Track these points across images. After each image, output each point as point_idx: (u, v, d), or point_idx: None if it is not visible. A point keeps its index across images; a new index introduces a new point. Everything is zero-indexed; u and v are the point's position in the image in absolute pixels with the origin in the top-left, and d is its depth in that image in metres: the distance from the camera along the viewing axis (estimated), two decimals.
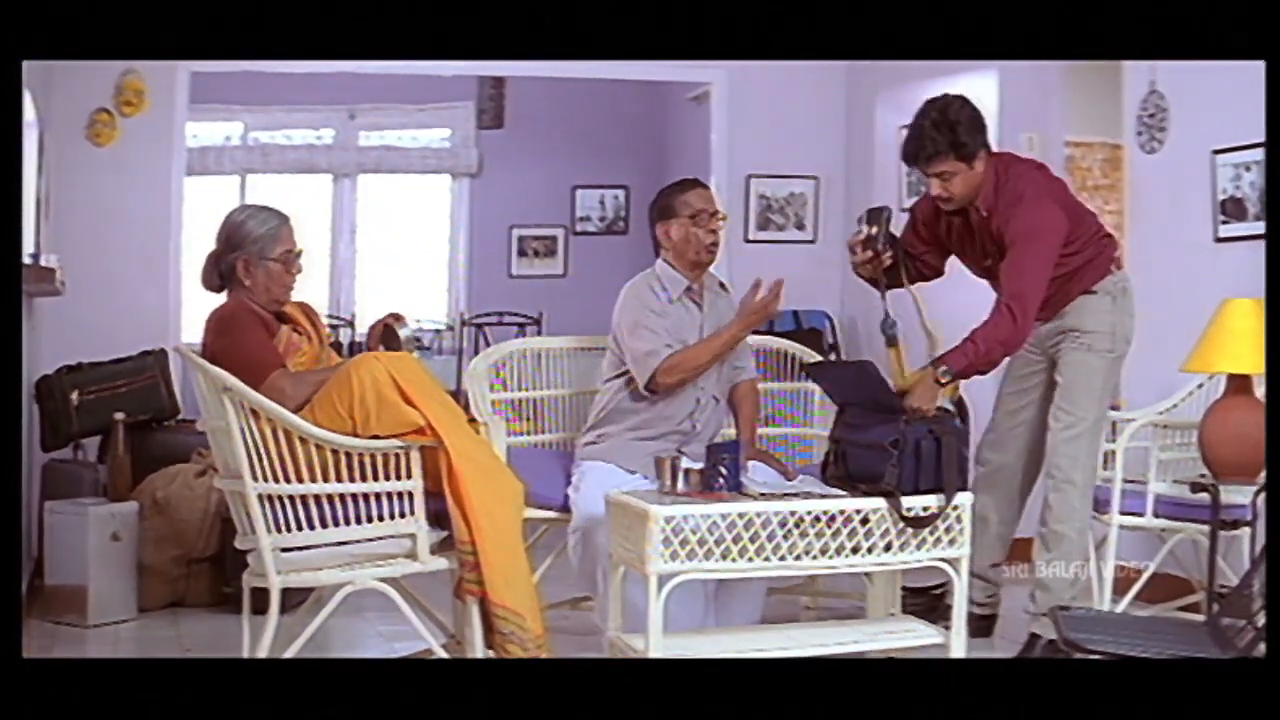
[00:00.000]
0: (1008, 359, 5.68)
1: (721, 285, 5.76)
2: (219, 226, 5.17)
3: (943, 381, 5.21)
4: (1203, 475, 5.38)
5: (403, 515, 4.89)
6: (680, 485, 4.80)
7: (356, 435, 4.83)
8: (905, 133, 5.59)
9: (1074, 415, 5.52)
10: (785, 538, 4.63)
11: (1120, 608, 5.82)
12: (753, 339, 6.27)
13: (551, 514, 5.51)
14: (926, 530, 4.74)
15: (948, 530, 4.78)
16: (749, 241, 9.10)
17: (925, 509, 4.74)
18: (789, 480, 5.16)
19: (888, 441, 4.81)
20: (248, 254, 5.09)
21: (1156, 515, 5.75)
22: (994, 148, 5.60)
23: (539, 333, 11.55)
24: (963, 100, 5.46)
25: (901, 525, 4.71)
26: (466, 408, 5.52)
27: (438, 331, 12.48)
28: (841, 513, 4.67)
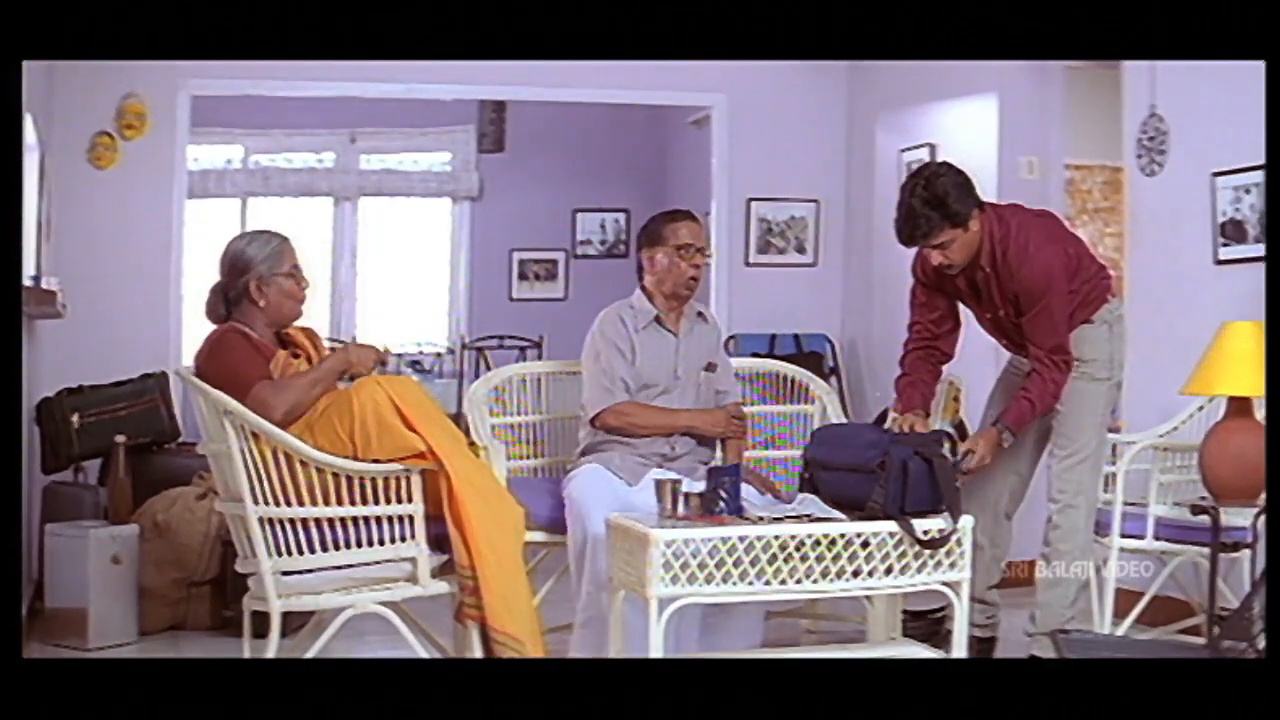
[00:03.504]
0: (997, 381, 5.78)
1: (700, 314, 5.76)
2: (220, 257, 5.17)
3: (1005, 445, 5.44)
4: (1203, 498, 5.38)
5: (403, 539, 4.89)
6: (681, 509, 4.80)
7: (357, 459, 4.83)
8: (904, 156, 5.61)
9: (1076, 444, 5.55)
10: (786, 561, 4.63)
11: (1120, 631, 5.81)
12: (753, 362, 6.31)
13: (551, 537, 5.50)
14: (927, 553, 4.75)
15: (948, 554, 4.78)
16: (749, 265, 9.09)
17: (926, 533, 4.74)
18: (784, 502, 5.17)
19: (874, 463, 4.82)
20: (258, 275, 5.10)
21: (1157, 538, 5.74)
22: (994, 171, 5.60)
23: (540, 356, 11.54)
24: (946, 168, 5.46)
25: (904, 548, 4.71)
26: (467, 432, 5.52)
27: (438, 355, 12.49)
28: (842, 536, 4.67)
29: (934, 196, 5.32)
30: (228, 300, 5.16)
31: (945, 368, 5.79)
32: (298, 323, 5.25)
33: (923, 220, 5.34)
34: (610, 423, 5.51)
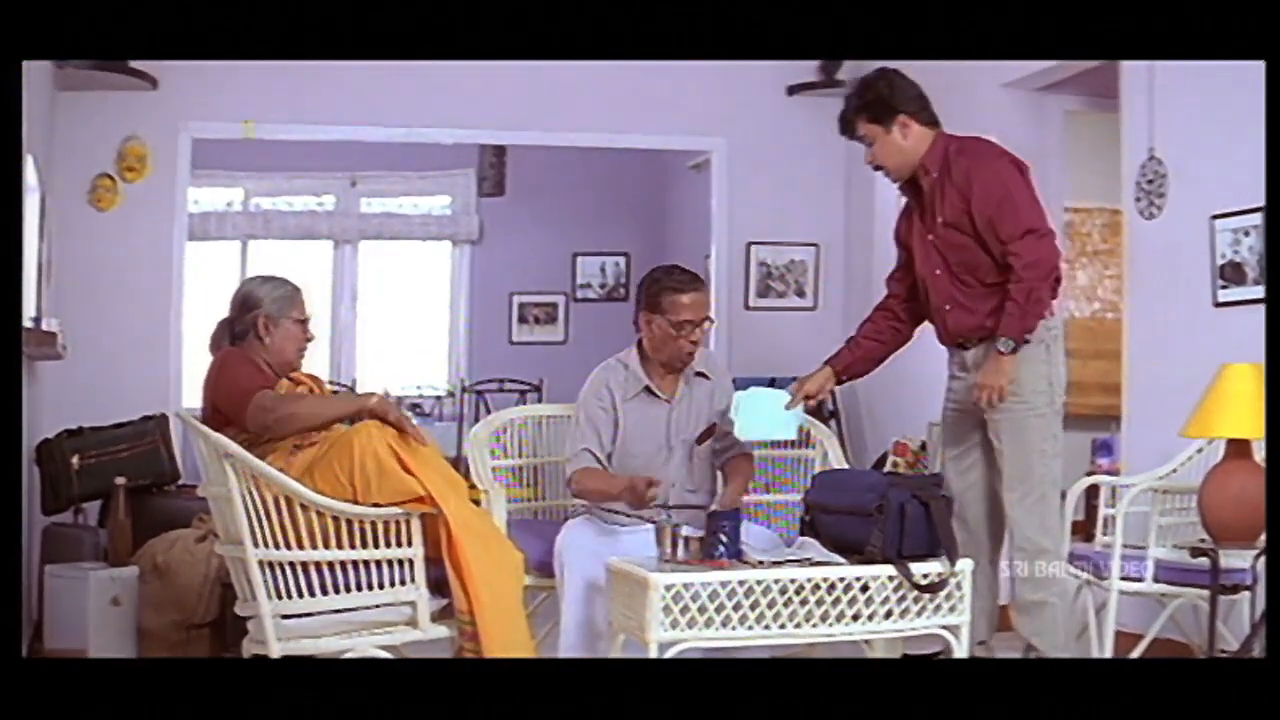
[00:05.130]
0: (943, 419, 5.79)
1: (699, 374, 5.68)
2: (233, 295, 5.25)
3: (1003, 352, 5.30)
4: (1202, 540, 5.36)
5: (403, 583, 4.89)
6: (680, 553, 4.79)
7: (357, 502, 4.83)
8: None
9: (1028, 484, 5.45)
10: (786, 605, 4.62)
11: None
12: None
13: (550, 580, 5.49)
14: (926, 597, 4.74)
15: (947, 597, 4.77)
16: (749, 308, 9.10)
17: (925, 576, 4.73)
18: (787, 545, 5.17)
19: (872, 506, 4.80)
20: (267, 313, 5.16)
21: (1156, 580, 5.72)
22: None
23: (540, 399, 11.54)
24: (891, 73, 5.53)
25: (903, 592, 4.71)
26: (467, 475, 5.52)
27: (438, 398, 12.49)
28: (841, 580, 4.67)
29: (864, 85, 5.47)
30: (233, 334, 5.21)
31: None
32: (300, 371, 5.28)
33: (847, 106, 5.52)
34: (571, 488, 5.56)
